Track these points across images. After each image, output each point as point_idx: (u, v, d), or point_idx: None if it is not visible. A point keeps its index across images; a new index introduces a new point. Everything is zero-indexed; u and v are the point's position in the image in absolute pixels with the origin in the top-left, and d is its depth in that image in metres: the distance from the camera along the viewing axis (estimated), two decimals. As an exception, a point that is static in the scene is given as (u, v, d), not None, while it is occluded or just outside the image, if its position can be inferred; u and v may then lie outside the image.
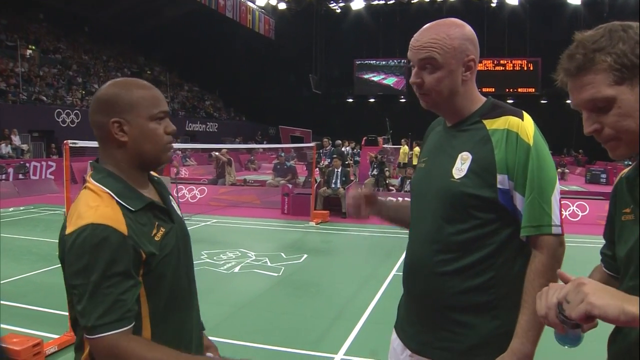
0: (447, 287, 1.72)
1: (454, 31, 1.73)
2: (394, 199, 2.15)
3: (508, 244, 1.69)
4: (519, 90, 36.63)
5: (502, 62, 36.80)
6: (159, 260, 1.51)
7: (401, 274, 1.95)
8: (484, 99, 1.82)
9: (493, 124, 1.71)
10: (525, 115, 1.73)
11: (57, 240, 1.53)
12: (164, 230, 1.56)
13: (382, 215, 2.16)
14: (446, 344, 1.74)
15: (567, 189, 16.89)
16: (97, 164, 1.60)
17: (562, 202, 1.71)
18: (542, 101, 35.95)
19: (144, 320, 1.51)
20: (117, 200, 1.48)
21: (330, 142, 19.07)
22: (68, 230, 1.44)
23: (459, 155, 1.73)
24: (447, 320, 1.74)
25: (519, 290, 1.64)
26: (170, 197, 1.75)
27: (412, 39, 1.77)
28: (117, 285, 1.39)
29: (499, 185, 1.66)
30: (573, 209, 12.23)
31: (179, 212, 1.73)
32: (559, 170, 26.13)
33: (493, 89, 36.93)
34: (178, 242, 1.62)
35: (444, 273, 1.73)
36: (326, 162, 17.49)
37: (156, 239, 1.52)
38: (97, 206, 1.45)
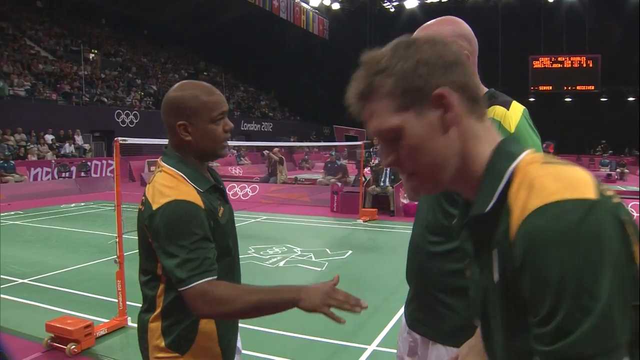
0: (436, 267, 1.83)
1: (445, 28, 1.81)
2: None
3: None
4: (578, 88, 35.54)
5: (560, 59, 35.77)
6: (221, 233, 1.82)
7: None
8: (485, 89, 1.87)
9: None
10: (514, 105, 1.78)
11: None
12: (222, 209, 1.87)
13: None
14: (433, 322, 1.85)
15: (624, 189, 16.34)
16: (168, 150, 1.90)
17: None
18: (602, 99, 34.90)
19: None
20: (188, 182, 1.78)
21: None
22: (155, 207, 1.72)
23: None
24: (434, 300, 1.84)
25: None
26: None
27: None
28: (202, 246, 1.69)
29: None
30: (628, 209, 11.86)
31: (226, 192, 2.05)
32: (618, 170, 25.38)
33: (551, 87, 36.05)
34: (231, 219, 1.95)
35: (434, 254, 1.84)
36: (377, 161, 17.52)
37: (220, 214, 1.83)
38: (176, 186, 1.76)
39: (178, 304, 1.75)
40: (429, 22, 1.87)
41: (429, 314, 1.86)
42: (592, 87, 35.07)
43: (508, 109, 1.75)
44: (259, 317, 1.79)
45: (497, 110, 1.75)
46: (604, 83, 34.33)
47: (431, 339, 1.87)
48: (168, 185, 1.75)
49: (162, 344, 1.81)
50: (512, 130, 1.70)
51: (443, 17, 1.87)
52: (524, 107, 1.79)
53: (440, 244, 1.82)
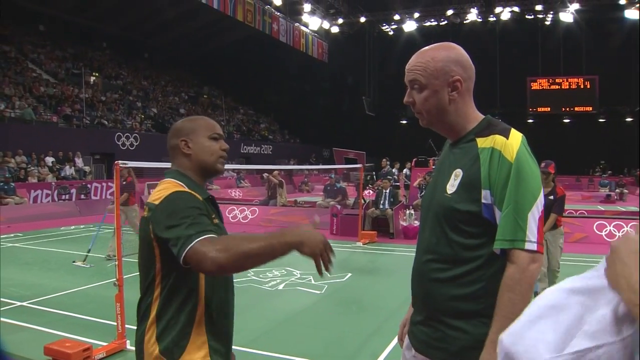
0: (440, 293, 1.83)
1: (439, 54, 1.85)
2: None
3: (497, 256, 1.75)
4: (576, 109, 35.75)
5: (557, 80, 36.03)
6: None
7: None
8: (481, 117, 1.91)
9: (483, 143, 1.79)
10: (513, 133, 1.79)
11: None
12: (217, 221, 2.00)
13: None
14: (440, 345, 1.84)
15: (623, 210, 16.35)
16: (169, 170, 2.10)
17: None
18: (600, 120, 35.09)
19: (200, 292, 1.91)
20: (187, 189, 1.94)
21: (388, 163, 19.10)
22: (157, 202, 1.88)
23: (454, 172, 1.83)
24: (441, 323, 1.84)
25: None
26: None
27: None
28: (204, 220, 1.80)
29: (483, 200, 1.74)
30: (627, 230, 11.90)
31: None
32: (617, 190, 25.39)
33: (549, 109, 36.26)
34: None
35: (437, 280, 1.84)
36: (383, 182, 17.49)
37: (214, 222, 1.94)
38: (174, 186, 1.94)
39: (171, 306, 1.86)
40: (425, 48, 1.90)
41: (437, 337, 1.86)
42: (590, 108, 35.28)
43: (508, 138, 1.77)
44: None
45: (497, 140, 1.77)
46: (601, 104, 34.51)
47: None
48: (166, 188, 1.94)
49: (157, 350, 1.86)
50: (513, 159, 1.72)
51: (441, 43, 1.91)
52: (522, 135, 1.81)
53: (444, 271, 1.82)
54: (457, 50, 1.88)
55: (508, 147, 1.73)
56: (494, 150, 1.74)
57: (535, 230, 1.69)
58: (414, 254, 2.01)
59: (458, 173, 1.81)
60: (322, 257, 1.72)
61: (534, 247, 1.68)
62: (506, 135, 1.77)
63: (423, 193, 15.37)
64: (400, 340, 2.16)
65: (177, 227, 1.74)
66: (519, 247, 1.67)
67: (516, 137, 1.77)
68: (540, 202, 1.71)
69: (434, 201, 1.88)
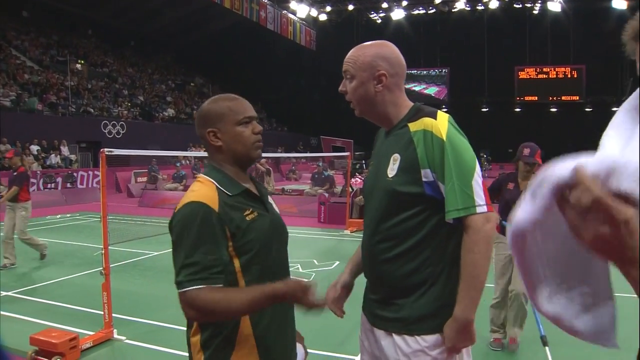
0: (390, 271, 1.96)
1: (370, 49, 2.02)
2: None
3: (439, 228, 1.90)
4: (563, 98, 35.92)
5: (545, 69, 36.15)
6: (245, 234, 1.81)
7: None
8: (411, 105, 2.07)
9: (414, 127, 1.94)
10: (440, 114, 1.95)
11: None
12: (257, 213, 1.87)
13: (358, 275, 2.31)
14: (393, 317, 1.97)
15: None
16: (207, 162, 2.03)
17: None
18: (587, 109, 35.27)
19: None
20: (217, 187, 1.84)
21: None
22: (176, 210, 1.83)
23: (392, 157, 1.97)
24: (392, 298, 1.98)
25: (454, 266, 1.90)
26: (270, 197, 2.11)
27: None
28: (204, 251, 1.71)
29: (423, 179, 1.88)
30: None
31: (276, 209, 2.09)
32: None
33: (536, 98, 36.38)
34: (273, 230, 1.95)
35: (386, 260, 1.97)
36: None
37: (247, 218, 1.83)
38: (198, 189, 1.83)
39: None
40: (363, 44, 2.07)
41: (389, 310, 1.99)
42: (577, 98, 35.47)
43: (436, 119, 1.92)
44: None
45: (426, 121, 1.92)
46: (588, 93, 34.71)
47: (394, 332, 1.97)
48: (193, 189, 1.85)
49: (202, 358, 1.82)
50: (444, 137, 1.87)
51: (376, 41, 2.08)
52: (449, 115, 1.97)
53: (391, 250, 1.95)
54: (388, 48, 2.04)
55: (437, 127, 1.89)
56: (426, 132, 1.90)
57: (481, 193, 1.85)
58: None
59: (396, 157, 1.95)
60: (304, 301, 1.75)
61: (484, 209, 1.84)
62: (434, 116, 1.93)
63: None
64: (327, 301, 2.19)
65: (177, 258, 1.75)
66: (471, 212, 1.82)
67: (443, 117, 1.94)
68: (478, 170, 1.89)
69: (377, 185, 2.02)
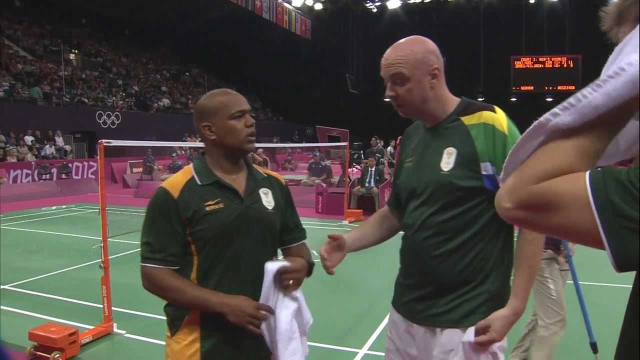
0: (441, 267, 1.93)
1: (417, 46, 1.96)
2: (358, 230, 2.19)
3: (493, 222, 1.90)
4: (559, 88, 35.82)
5: (541, 59, 36.03)
6: (199, 223, 1.92)
7: None
8: (457, 99, 2.05)
9: (470, 120, 1.95)
10: (497, 108, 1.97)
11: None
12: (222, 205, 1.95)
13: (353, 250, 2.26)
14: (441, 312, 1.95)
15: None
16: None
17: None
18: (583, 99, 35.30)
19: (193, 271, 1.97)
20: (193, 175, 1.98)
21: (378, 141, 18.92)
22: None
23: (445, 151, 1.95)
24: (441, 294, 1.95)
25: (504, 260, 1.93)
26: (266, 192, 2.12)
27: (382, 58, 2.01)
28: (158, 232, 1.93)
29: (483, 172, 1.88)
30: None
31: (268, 205, 2.09)
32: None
33: (532, 87, 36.32)
34: (240, 223, 1.98)
35: (437, 255, 1.94)
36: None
37: (207, 208, 1.93)
38: (174, 176, 2.02)
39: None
40: (399, 42, 2.01)
41: (438, 306, 1.96)
42: (573, 87, 35.30)
43: (495, 113, 1.94)
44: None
45: (486, 115, 1.94)
46: (584, 83, 33.33)
47: (441, 327, 1.95)
48: (172, 176, 2.05)
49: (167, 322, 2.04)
50: (506, 131, 1.89)
51: (411, 37, 2.02)
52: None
53: (444, 245, 1.93)
54: (430, 42, 2.01)
55: (498, 121, 1.91)
56: (487, 125, 1.91)
57: None
58: (403, 234, 2.11)
59: (451, 151, 1.93)
60: (250, 325, 1.86)
61: None
62: (493, 110, 1.95)
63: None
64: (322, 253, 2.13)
65: (142, 233, 1.98)
66: None
67: (500, 111, 1.96)
68: None
69: (425, 181, 1.98)
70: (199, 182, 1.96)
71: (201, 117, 2.00)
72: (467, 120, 1.94)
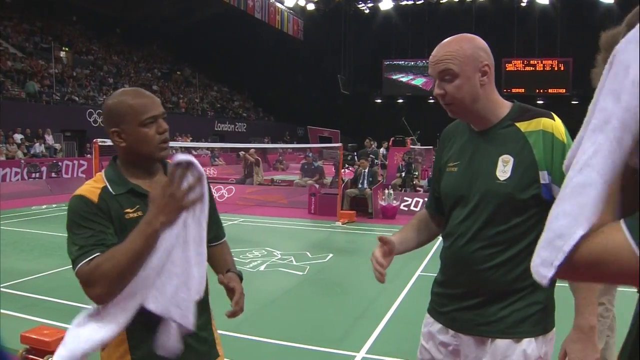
0: (492, 278, 1.87)
1: (466, 43, 1.89)
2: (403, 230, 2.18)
3: None
4: (550, 91, 36.08)
5: (532, 62, 36.29)
6: (122, 230, 1.76)
7: (427, 274, 2.07)
8: (509, 103, 1.95)
9: (528, 127, 1.86)
10: (555, 116, 1.89)
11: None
12: (142, 212, 1.77)
13: (395, 254, 2.15)
14: (490, 322, 1.89)
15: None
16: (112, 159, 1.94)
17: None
18: (573, 102, 35.44)
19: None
20: (105, 184, 1.82)
21: (372, 142, 18.90)
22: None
23: (500, 158, 1.86)
24: (491, 303, 1.89)
25: None
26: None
27: (431, 55, 1.93)
28: (83, 235, 1.72)
29: (541, 181, 1.82)
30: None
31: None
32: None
33: (523, 90, 36.49)
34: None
35: (489, 267, 1.87)
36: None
37: (127, 217, 1.79)
38: (86, 184, 1.84)
39: None
40: (447, 40, 1.93)
41: (486, 315, 1.90)
42: (564, 90, 35.64)
43: (554, 120, 1.87)
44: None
45: (545, 122, 1.85)
46: (575, 86, 34.85)
47: (490, 336, 1.89)
48: (83, 185, 1.86)
49: None
50: (565, 140, 1.82)
51: (463, 35, 1.95)
52: None
53: (497, 256, 1.86)
54: (480, 39, 1.94)
55: (557, 129, 1.84)
56: (546, 133, 1.83)
57: None
58: (447, 242, 2.02)
59: (507, 159, 1.85)
60: (189, 203, 1.71)
61: None
62: (552, 117, 1.87)
63: (403, 174, 15.44)
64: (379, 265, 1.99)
65: (68, 240, 1.76)
66: None
67: (558, 119, 1.88)
68: None
69: (479, 189, 1.89)
70: (112, 192, 1.80)
71: (109, 121, 1.82)
72: (524, 126, 1.86)
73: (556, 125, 1.84)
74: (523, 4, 34.98)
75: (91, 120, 24.06)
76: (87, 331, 1.77)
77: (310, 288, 6.84)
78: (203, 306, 1.95)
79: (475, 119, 1.96)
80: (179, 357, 1.82)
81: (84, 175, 19.45)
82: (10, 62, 23.79)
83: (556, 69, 35.88)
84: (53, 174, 18.85)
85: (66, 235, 1.78)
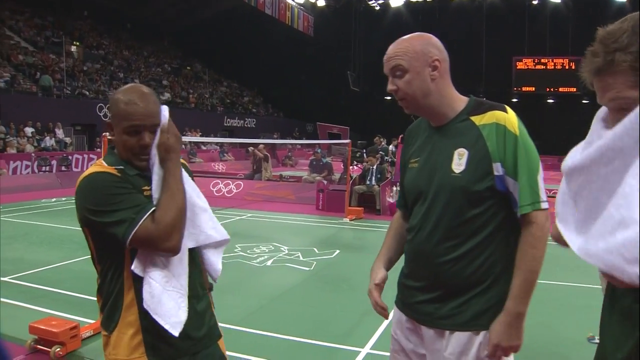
0: (453, 270, 1.91)
1: (416, 40, 1.96)
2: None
3: (503, 224, 1.90)
4: (560, 89, 35.85)
5: (542, 60, 36.04)
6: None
7: None
8: (466, 98, 2.02)
9: (482, 120, 1.91)
10: (509, 109, 1.93)
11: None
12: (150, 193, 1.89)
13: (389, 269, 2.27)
14: (450, 315, 1.93)
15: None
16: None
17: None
18: (584, 101, 35.23)
19: (125, 273, 1.88)
20: (115, 168, 1.88)
21: (382, 140, 18.87)
22: (76, 186, 1.88)
23: (455, 152, 1.91)
24: (451, 297, 1.93)
25: (513, 262, 1.88)
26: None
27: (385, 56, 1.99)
28: (128, 198, 1.80)
29: (495, 173, 1.86)
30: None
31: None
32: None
33: (533, 88, 36.33)
34: None
35: (449, 260, 1.91)
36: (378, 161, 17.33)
37: (145, 194, 1.87)
38: (93, 166, 1.90)
39: (105, 281, 1.90)
40: (401, 38, 2.00)
41: (446, 308, 1.94)
42: (574, 89, 35.34)
43: (507, 113, 1.91)
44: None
45: (498, 115, 1.90)
46: (585, 85, 34.63)
47: (450, 329, 1.93)
48: (90, 168, 1.90)
49: (100, 321, 1.96)
50: (517, 132, 1.86)
51: (415, 33, 2.01)
52: None
53: (456, 249, 1.90)
54: (432, 37, 1.99)
55: (510, 121, 1.88)
56: (499, 125, 1.87)
57: (544, 190, 1.87)
58: (409, 236, 2.07)
59: (462, 152, 1.89)
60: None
61: (547, 205, 1.85)
62: (505, 110, 1.91)
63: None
64: (381, 308, 2.14)
65: (101, 222, 1.79)
66: (537, 208, 1.83)
67: (511, 111, 1.92)
68: (541, 166, 1.90)
69: (437, 183, 1.94)
70: (128, 172, 1.89)
71: (110, 110, 1.92)
72: (478, 120, 1.91)
73: (509, 117, 1.88)
74: (534, 2, 34.78)
75: (101, 114, 24.18)
76: (168, 299, 1.83)
77: (317, 284, 6.86)
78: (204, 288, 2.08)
79: (431, 114, 2.02)
80: (192, 329, 1.93)
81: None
82: (21, 56, 23.95)
83: (567, 67, 35.62)
84: (63, 168, 18.98)
85: (76, 228, 1.80)
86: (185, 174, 1.95)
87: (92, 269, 2.06)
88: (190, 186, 1.97)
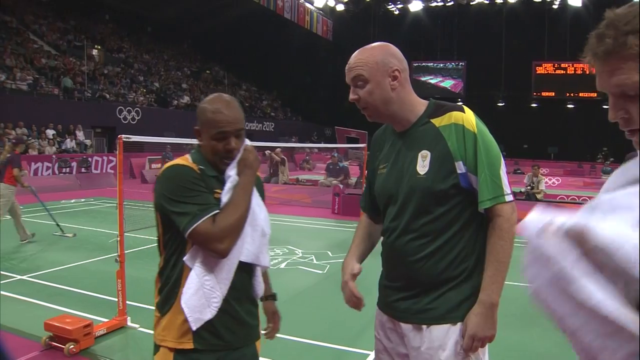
0: (424, 268, 1.97)
1: (377, 50, 2.02)
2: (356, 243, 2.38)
3: (471, 220, 1.97)
4: (580, 94, 35.47)
5: (563, 65, 35.71)
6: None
7: None
8: (426, 102, 2.08)
9: (441, 122, 1.98)
10: (466, 108, 2.00)
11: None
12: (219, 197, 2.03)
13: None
14: (425, 310, 1.98)
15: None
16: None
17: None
18: (604, 106, 34.61)
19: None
20: (197, 166, 2.02)
21: None
22: (158, 174, 2.05)
23: (419, 154, 1.98)
24: (424, 293, 1.99)
25: (484, 256, 1.94)
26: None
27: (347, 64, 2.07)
28: (199, 195, 1.94)
29: (458, 171, 1.92)
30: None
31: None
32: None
33: (553, 93, 36.00)
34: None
35: (420, 258, 1.97)
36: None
37: (215, 196, 2.00)
38: (179, 160, 2.06)
39: (167, 266, 2.05)
40: (362, 47, 2.07)
41: (421, 303, 1.99)
42: (595, 95, 34.95)
43: (464, 112, 1.97)
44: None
45: (456, 115, 1.97)
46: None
47: (425, 324, 1.98)
48: (174, 160, 2.07)
49: (155, 304, 2.12)
50: (475, 130, 1.93)
51: (376, 43, 2.08)
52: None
53: (426, 247, 1.96)
54: (392, 47, 2.06)
55: (468, 120, 1.95)
56: (457, 125, 1.94)
57: (508, 183, 1.94)
58: (384, 238, 2.14)
59: (425, 154, 1.97)
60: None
61: (511, 197, 1.93)
62: (462, 110, 1.98)
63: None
64: (357, 298, 2.19)
65: (171, 208, 1.93)
66: (501, 201, 1.90)
67: (469, 111, 2.00)
68: (503, 160, 1.97)
69: (404, 186, 2.00)
70: (207, 173, 2.03)
71: (198, 118, 2.07)
72: (438, 122, 1.98)
73: (466, 117, 1.95)
74: (555, 6, 34.47)
75: (121, 117, 24.44)
76: (201, 296, 1.96)
77: (329, 287, 6.88)
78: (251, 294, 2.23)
79: (393, 121, 2.09)
80: (237, 326, 2.09)
81: (112, 171, 19.82)
82: (44, 60, 24.32)
83: (588, 72, 35.10)
84: (83, 169, 19.25)
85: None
86: (256, 192, 2.11)
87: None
88: (259, 205, 2.14)
